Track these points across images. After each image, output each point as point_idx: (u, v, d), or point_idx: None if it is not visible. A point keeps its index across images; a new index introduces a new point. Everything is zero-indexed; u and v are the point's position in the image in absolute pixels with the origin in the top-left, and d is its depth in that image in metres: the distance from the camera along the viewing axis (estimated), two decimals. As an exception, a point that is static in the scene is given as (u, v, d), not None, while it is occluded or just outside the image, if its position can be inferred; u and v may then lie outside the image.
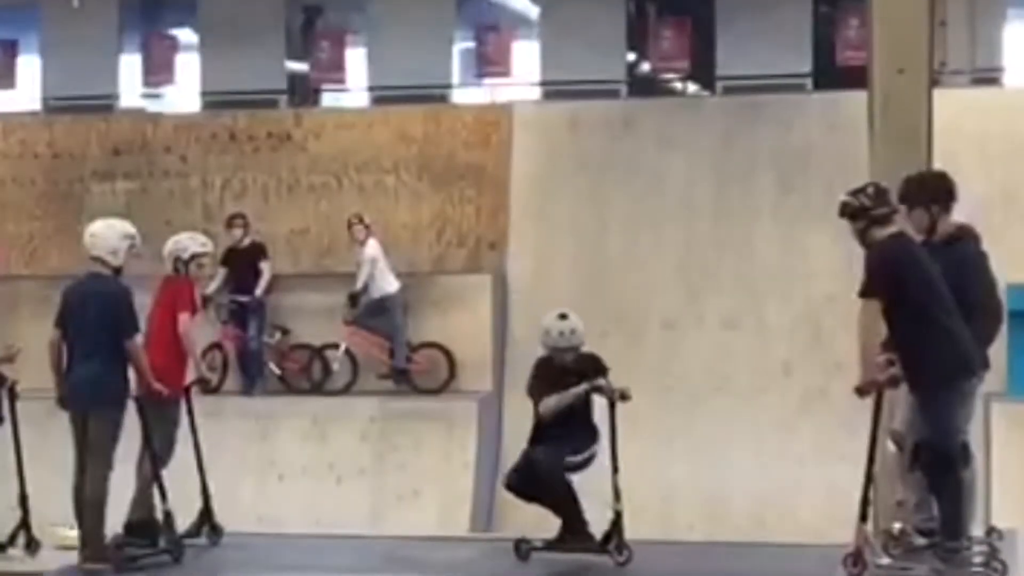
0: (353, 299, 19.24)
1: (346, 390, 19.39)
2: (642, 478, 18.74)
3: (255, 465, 18.87)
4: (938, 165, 11.56)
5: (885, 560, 10.03)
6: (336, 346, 19.44)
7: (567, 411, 11.30)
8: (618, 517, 10.98)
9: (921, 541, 10.24)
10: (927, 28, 12.18)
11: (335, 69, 23.71)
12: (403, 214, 20.51)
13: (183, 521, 11.66)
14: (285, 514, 18.04)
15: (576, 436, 11.29)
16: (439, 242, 20.28)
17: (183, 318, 11.56)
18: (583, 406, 11.38)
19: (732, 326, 19.23)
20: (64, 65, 24.89)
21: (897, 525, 10.28)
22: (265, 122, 21.29)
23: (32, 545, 11.95)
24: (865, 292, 9.82)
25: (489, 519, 18.56)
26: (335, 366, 19.45)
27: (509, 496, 11.66)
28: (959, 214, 10.50)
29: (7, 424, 12.02)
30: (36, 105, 24.53)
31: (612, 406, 11.13)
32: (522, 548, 11.37)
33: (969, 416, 10.06)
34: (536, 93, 23.70)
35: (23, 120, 22.62)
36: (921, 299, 9.78)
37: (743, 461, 18.54)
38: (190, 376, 11.84)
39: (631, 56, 24.27)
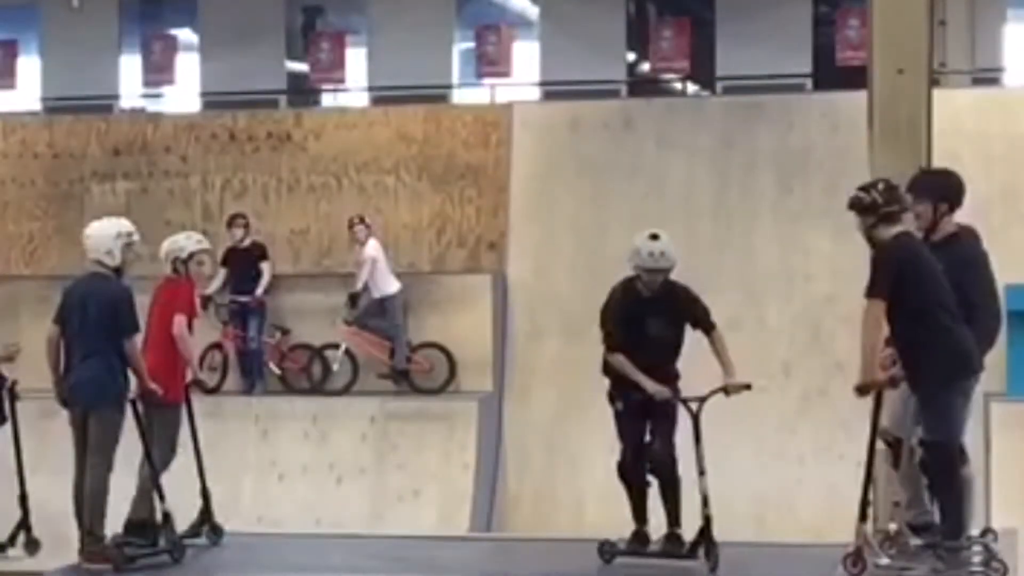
0: (353, 299, 19.25)
1: (346, 390, 19.39)
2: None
3: (255, 465, 18.88)
4: (938, 165, 11.55)
5: (884, 560, 10.02)
6: (336, 346, 19.44)
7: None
8: (707, 522, 10.66)
9: (916, 541, 10.24)
10: (927, 28, 12.18)
11: (335, 69, 23.70)
12: (403, 214, 20.51)
13: (183, 521, 11.65)
14: (285, 514, 18.05)
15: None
16: (439, 242, 20.28)
17: (178, 320, 11.52)
18: (672, 351, 10.98)
19: (732, 326, 19.10)
20: (64, 65, 24.91)
21: (893, 525, 10.28)
22: (265, 122, 21.27)
23: (32, 545, 11.96)
24: (871, 291, 9.81)
25: (489, 519, 18.56)
26: (335, 366, 19.45)
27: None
28: (961, 214, 10.50)
29: (7, 424, 12.03)
30: (36, 105, 24.54)
31: (696, 413, 10.79)
32: (606, 551, 10.94)
33: (967, 416, 10.07)
34: (536, 93, 23.71)
35: (23, 120, 22.62)
36: (923, 299, 9.78)
37: (743, 461, 18.52)
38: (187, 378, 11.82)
39: (631, 56, 24.28)
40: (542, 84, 23.74)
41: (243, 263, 19.69)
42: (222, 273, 19.57)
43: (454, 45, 24.44)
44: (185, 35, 25.15)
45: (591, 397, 19.35)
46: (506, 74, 23.12)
